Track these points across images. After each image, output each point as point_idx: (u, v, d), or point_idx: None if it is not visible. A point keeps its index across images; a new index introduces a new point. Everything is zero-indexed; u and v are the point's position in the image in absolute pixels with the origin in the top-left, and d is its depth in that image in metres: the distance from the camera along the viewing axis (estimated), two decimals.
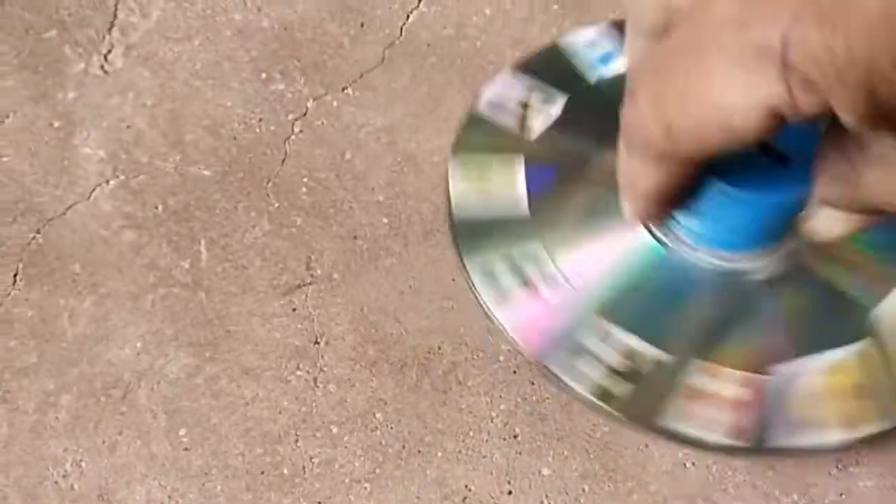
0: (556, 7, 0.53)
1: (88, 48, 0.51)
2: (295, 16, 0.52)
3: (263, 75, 0.50)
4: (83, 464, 0.40)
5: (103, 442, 0.41)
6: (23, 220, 0.46)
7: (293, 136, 0.49)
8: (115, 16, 0.52)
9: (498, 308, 0.40)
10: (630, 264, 0.41)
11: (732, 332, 0.42)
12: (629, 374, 0.39)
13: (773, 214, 0.38)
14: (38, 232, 0.45)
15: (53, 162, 0.47)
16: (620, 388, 0.38)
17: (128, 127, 0.48)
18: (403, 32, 0.52)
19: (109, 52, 0.50)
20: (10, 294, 0.44)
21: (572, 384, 0.39)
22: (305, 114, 0.49)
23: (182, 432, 0.41)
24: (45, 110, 0.49)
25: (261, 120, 0.49)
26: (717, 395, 0.40)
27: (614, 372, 0.39)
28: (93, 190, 0.47)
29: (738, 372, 0.40)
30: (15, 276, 0.44)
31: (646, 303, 0.41)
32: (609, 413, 0.38)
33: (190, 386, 0.42)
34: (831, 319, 0.41)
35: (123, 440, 0.41)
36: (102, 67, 0.50)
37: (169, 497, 0.40)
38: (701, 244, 0.40)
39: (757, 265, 0.40)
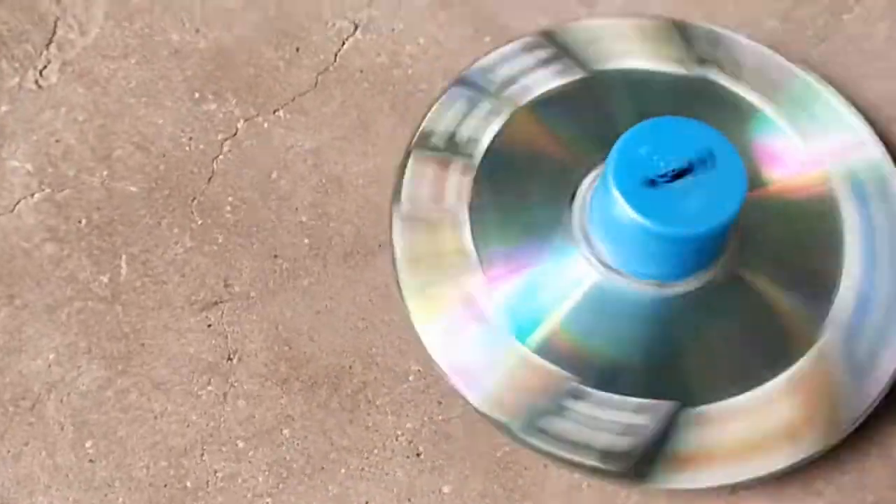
0: (487, 39, 0.54)
1: (25, 63, 0.52)
2: (232, 38, 0.53)
3: (196, 95, 0.51)
4: None
5: (8, 452, 0.41)
6: None
7: (221, 156, 0.50)
8: (55, 32, 0.53)
9: (438, 349, 0.42)
10: (566, 296, 0.43)
11: (656, 358, 0.43)
12: (556, 408, 0.40)
13: (693, 244, 0.40)
14: None
15: None
16: (550, 425, 0.40)
17: (57, 141, 0.49)
18: (338, 59, 0.53)
19: (45, 67, 0.51)
20: None
21: (503, 419, 0.40)
22: (235, 134, 0.50)
23: (88, 444, 0.42)
24: None
25: (191, 138, 0.50)
26: (615, 420, 0.41)
27: (545, 411, 0.40)
28: (17, 202, 0.47)
29: (636, 399, 0.41)
30: None
31: (580, 336, 0.42)
32: (539, 449, 0.39)
33: (100, 399, 0.43)
34: (761, 343, 0.42)
35: (28, 451, 0.41)
36: (37, 82, 0.51)
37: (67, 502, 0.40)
38: (632, 273, 0.41)
39: (687, 288, 0.42)
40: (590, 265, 0.43)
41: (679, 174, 0.39)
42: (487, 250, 0.45)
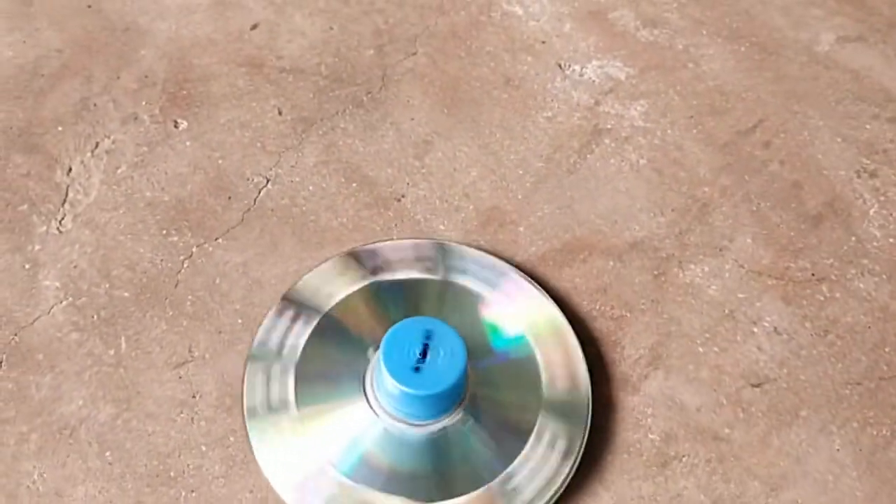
0: (354, 185, 0.84)
1: (48, 217, 0.78)
2: (186, 193, 0.81)
3: (164, 232, 0.79)
4: (45, 475, 0.66)
5: (58, 461, 0.66)
6: (5, 328, 0.72)
7: (183, 270, 0.77)
8: (67, 195, 0.80)
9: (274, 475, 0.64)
10: (359, 436, 0.67)
11: (431, 472, 0.66)
12: None
13: (434, 399, 0.66)
14: (16, 335, 0.72)
15: (25, 290, 0.74)
16: None
17: (75, 267, 0.76)
18: (256, 202, 0.82)
19: (63, 218, 0.78)
20: None
21: None
22: (191, 256, 0.78)
23: (108, 454, 0.67)
24: (20, 257, 0.76)
25: (162, 260, 0.77)
26: None
27: None
28: (52, 307, 0.73)
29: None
30: (0, 363, 0.70)
31: (371, 464, 0.66)
32: None
33: (113, 426, 0.68)
34: (465, 468, 0.67)
35: (70, 461, 0.66)
36: (58, 229, 0.78)
37: (99, 492, 0.65)
38: (401, 416, 0.67)
39: (435, 427, 0.67)
40: (376, 415, 0.67)
41: (423, 354, 0.63)
42: (308, 409, 0.67)
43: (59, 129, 0.84)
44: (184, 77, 0.88)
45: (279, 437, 0.67)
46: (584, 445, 0.69)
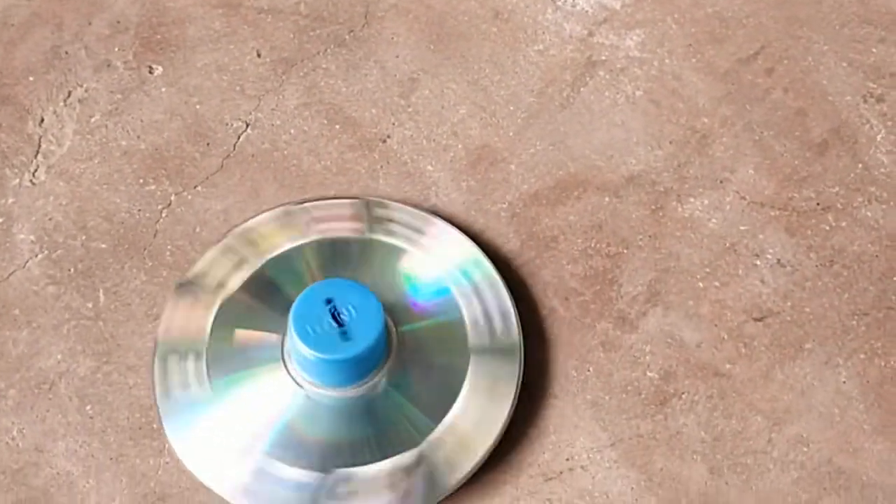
0: (337, 127, 0.80)
1: (21, 169, 0.76)
2: (162, 140, 0.79)
3: (141, 181, 0.76)
4: (24, 431, 0.64)
5: (37, 416, 0.65)
6: None
7: (161, 219, 0.74)
8: (40, 146, 0.77)
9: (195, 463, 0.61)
10: (281, 406, 0.64)
11: (360, 436, 0.63)
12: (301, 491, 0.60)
13: (347, 365, 0.62)
14: None
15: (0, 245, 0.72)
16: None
17: (49, 219, 0.73)
18: (236, 148, 0.79)
19: (36, 170, 0.76)
20: None
21: None
22: (169, 205, 0.75)
23: (88, 408, 0.65)
24: None
25: (139, 210, 0.75)
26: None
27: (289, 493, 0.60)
28: (27, 261, 0.71)
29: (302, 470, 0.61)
30: None
31: (294, 435, 0.63)
32: None
33: (93, 380, 0.67)
34: (393, 430, 0.64)
35: (50, 415, 0.65)
36: (31, 181, 0.75)
37: (80, 446, 0.64)
38: (319, 383, 0.64)
39: (352, 393, 0.64)
40: (296, 383, 0.63)
41: (337, 317, 0.59)
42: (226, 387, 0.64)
43: (31, 79, 0.81)
44: (158, 21, 0.85)
45: (188, 401, 0.64)
46: (519, 385, 0.66)
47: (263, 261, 0.69)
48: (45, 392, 0.66)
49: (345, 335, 0.60)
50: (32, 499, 0.62)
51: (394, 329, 0.66)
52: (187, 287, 0.68)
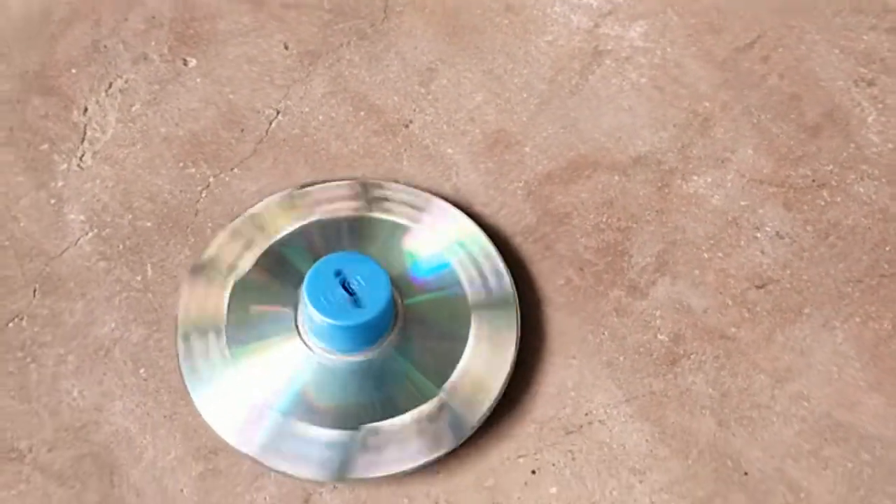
0: (362, 113, 0.86)
1: (69, 155, 0.81)
2: (199, 127, 0.84)
3: (181, 164, 0.81)
4: (84, 392, 0.69)
5: (95, 379, 0.70)
6: (37, 259, 0.75)
7: (201, 200, 0.79)
8: (85, 133, 0.82)
9: (223, 428, 0.66)
10: (295, 371, 0.69)
11: (368, 399, 0.68)
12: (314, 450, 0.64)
13: (359, 330, 0.67)
14: (47, 265, 0.75)
15: (53, 224, 0.77)
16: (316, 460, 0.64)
17: (98, 201, 0.78)
18: (268, 133, 0.84)
19: (83, 155, 0.81)
20: (32, 302, 0.73)
21: (287, 470, 0.64)
22: (208, 186, 0.80)
23: (142, 371, 0.70)
24: (45, 193, 0.78)
25: (181, 191, 0.80)
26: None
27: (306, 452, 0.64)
28: (78, 239, 0.76)
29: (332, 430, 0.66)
30: (34, 291, 0.73)
31: (311, 398, 0.67)
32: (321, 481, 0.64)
33: (145, 345, 0.71)
34: (411, 385, 0.69)
35: (107, 378, 0.70)
36: (79, 165, 0.80)
37: (136, 406, 0.69)
38: (333, 349, 0.69)
39: (364, 358, 0.69)
40: (309, 349, 0.68)
41: (347, 287, 0.65)
42: (242, 348, 0.69)
43: (73, 71, 0.86)
44: (189, 16, 0.90)
45: (211, 373, 0.68)
46: (519, 338, 0.72)
47: (271, 241, 0.74)
48: (102, 357, 0.71)
49: (356, 303, 0.65)
50: (94, 454, 0.67)
51: (399, 298, 0.71)
52: (201, 270, 0.73)
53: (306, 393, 0.68)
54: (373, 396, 0.68)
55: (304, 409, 0.67)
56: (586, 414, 0.71)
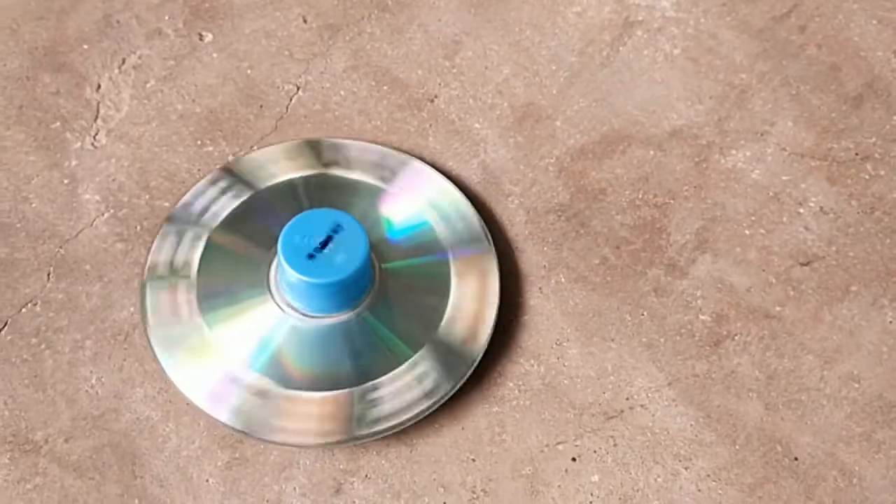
0: (385, 88, 0.82)
1: (82, 133, 0.78)
2: (217, 103, 0.80)
3: (199, 142, 0.78)
4: (103, 379, 0.66)
5: (115, 365, 0.67)
6: (50, 241, 0.72)
7: None
8: (98, 111, 0.79)
9: (188, 387, 0.63)
10: (269, 333, 0.66)
11: (341, 362, 0.65)
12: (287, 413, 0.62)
13: (337, 289, 0.64)
14: (61, 248, 0.72)
15: (66, 205, 0.74)
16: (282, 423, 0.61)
17: (113, 180, 0.75)
18: (288, 109, 0.81)
19: (97, 133, 0.78)
20: (46, 286, 0.70)
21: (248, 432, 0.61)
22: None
23: None
24: (58, 173, 0.75)
25: (199, 170, 0.77)
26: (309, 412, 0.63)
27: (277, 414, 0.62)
28: (94, 220, 0.73)
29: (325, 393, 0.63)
30: (48, 275, 0.70)
31: (285, 359, 0.65)
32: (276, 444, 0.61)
33: None
34: (385, 350, 0.66)
35: (127, 364, 0.67)
36: (93, 144, 0.77)
37: (157, 393, 0.66)
38: (309, 311, 0.66)
39: (342, 318, 0.66)
40: (283, 312, 0.66)
41: (324, 244, 0.62)
42: (215, 317, 0.66)
43: (85, 47, 0.82)
44: None
45: (187, 353, 0.65)
46: (498, 264, 0.71)
47: (248, 195, 0.72)
48: (121, 342, 0.68)
49: (329, 260, 0.62)
50: (114, 443, 0.64)
51: (375, 259, 0.69)
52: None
53: (280, 355, 0.65)
54: (355, 357, 0.66)
55: (279, 371, 0.64)
56: (627, 398, 0.68)
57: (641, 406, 0.68)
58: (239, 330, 0.66)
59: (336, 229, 0.63)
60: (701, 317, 0.72)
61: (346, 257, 0.62)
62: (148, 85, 0.81)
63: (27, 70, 0.81)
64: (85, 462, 0.63)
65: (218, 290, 0.67)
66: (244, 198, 0.72)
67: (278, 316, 0.66)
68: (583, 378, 0.69)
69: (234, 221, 0.71)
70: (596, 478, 0.65)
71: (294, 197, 0.73)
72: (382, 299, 0.68)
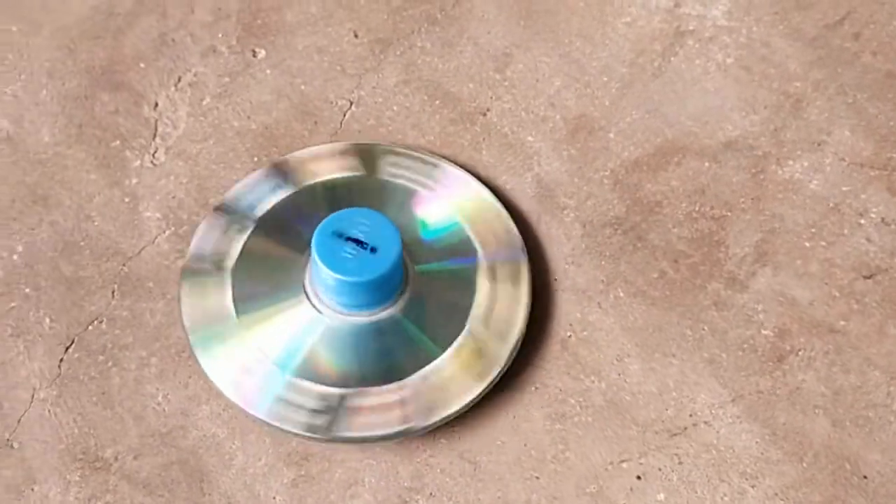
0: (438, 102, 0.82)
1: (141, 151, 0.79)
2: (272, 120, 0.81)
3: (255, 159, 0.79)
4: (169, 396, 0.67)
5: (180, 382, 0.67)
6: (114, 259, 0.73)
7: None
8: (156, 129, 0.80)
9: (222, 381, 0.64)
10: (303, 332, 0.67)
11: (373, 360, 0.67)
12: (323, 409, 0.63)
13: (370, 287, 0.64)
14: (125, 265, 0.73)
15: (128, 223, 0.75)
16: (321, 420, 0.62)
17: (173, 197, 0.76)
18: (342, 125, 0.81)
19: (156, 151, 0.79)
20: (111, 304, 0.71)
21: (285, 427, 0.62)
22: None
23: None
24: (119, 191, 0.76)
25: None
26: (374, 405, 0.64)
27: (313, 411, 0.63)
28: (155, 237, 0.74)
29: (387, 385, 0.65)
30: (113, 292, 0.71)
31: (319, 357, 0.66)
32: (317, 440, 0.62)
33: None
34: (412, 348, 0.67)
35: (192, 381, 0.68)
36: (152, 162, 0.78)
37: (223, 410, 0.66)
38: (342, 309, 0.66)
39: (380, 315, 0.67)
40: (317, 310, 0.66)
41: (359, 243, 0.63)
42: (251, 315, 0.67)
43: (141, 65, 0.83)
44: (256, 7, 0.87)
45: (223, 348, 0.66)
46: (531, 289, 0.70)
47: (290, 192, 0.73)
48: (185, 360, 0.68)
49: (364, 258, 0.63)
50: (182, 460, 0.65)
51: (408, 258, 0.69)
52: (220, 214, 0.72)
53: (315, 354, 0.66)
54: (380, 358, 0.67)
55: (313, 369, 0.65)
56: (690, 415, 0.68)
57: (705, 423, 0.67)
58: (274, 328, 0.67)
59: (363, 226, 0.64)
60: (763, 331, 0.71)
61: (381, 252, 0.63)
62: (204, 102, 0.82)
63: (85, 89, 0.82)
64: (154, 479, 0.64)
65: (255, 290, 0.69)
66: (289, 192, 0.73)
67: (313, 316, 0.67)
68: (645, 394, 0.68)
69: (275, 215, 0.72)
70: (662, 496, 0.64)
71: (332, 197, 0.73)
72: (419, 286, 0.68)
